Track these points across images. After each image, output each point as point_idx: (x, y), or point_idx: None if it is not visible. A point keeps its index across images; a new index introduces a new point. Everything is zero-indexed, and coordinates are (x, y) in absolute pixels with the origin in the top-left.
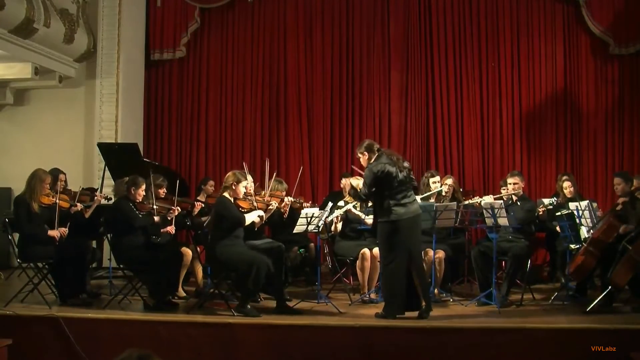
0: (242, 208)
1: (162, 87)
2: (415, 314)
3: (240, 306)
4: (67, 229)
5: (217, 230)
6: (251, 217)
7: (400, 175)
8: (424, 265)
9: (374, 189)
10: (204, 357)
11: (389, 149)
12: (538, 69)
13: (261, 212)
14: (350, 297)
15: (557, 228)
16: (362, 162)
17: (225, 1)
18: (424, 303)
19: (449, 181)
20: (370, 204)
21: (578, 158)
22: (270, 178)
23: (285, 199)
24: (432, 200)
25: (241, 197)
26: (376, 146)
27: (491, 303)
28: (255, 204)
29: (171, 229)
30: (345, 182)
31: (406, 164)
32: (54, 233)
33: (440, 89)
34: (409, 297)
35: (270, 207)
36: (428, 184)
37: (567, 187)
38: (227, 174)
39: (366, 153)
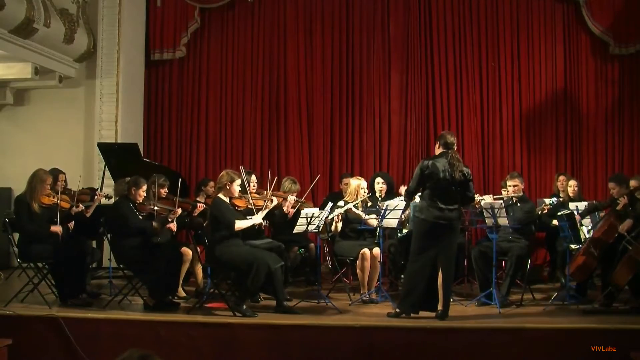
0: (239, 207)
1: (162, 87)
2: (424, 313)
3: (237, 305)
4: (72, 223)
5: (215, 230)
6: (242, 225)
7: (449, 178)
8: None
9: (420, 184)
10: (204, 357)
11: (456, 154)
12: (538, 69)
13: (258, 220)
14: (350, 297)
15: (555, 222)
16: (436, 151)
17: (225, 1)
18: (440, 307)
19: None
20: (370, 203)
21: (578, 158)
22: (271, 184)
23: (290, 198)
24: None
25: (236, 195)
26: (450, 142)
27: (491, 303)
28: (251, 201)
29: (173, 226)
30: (348, 182)
31: (466, 169)
32: (57, 228)
33: (440, 89)
34: (428, 298)
35: (269, 203)
36: None
37: (573, 185)
38: (221, 174)
39: (439, 144)
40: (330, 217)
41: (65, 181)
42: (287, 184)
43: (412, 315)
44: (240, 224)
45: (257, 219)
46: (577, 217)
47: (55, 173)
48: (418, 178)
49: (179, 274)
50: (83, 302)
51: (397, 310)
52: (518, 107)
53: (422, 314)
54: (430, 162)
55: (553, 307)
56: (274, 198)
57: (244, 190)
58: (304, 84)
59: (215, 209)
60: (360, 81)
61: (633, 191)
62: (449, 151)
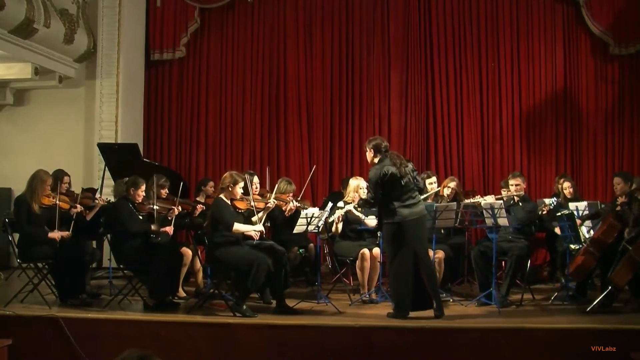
0: (240, 209)
1: (162, 87)
2: (424, 313)
3: (237, 305)
4: (70, 232)
5: (215, 231)
6: (241, 228)
7: (405, 178)
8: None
9: (381, 191)
10: (204, 357)
11: (393, 152)
12: (538, 69)
13: (259, 228)
14: (350, 297)
15: (557, 230)
16: (367, 157)
17: (225, 1)
18: (434, 302)
19: (453, 184)
20: None
21: (578, 158)
22: (272, 185)
23: (291, 203)
24: (430, 201)
25: (238, 198)
26: (384, 146)
27: (491, 303)
28: (253, 203)
29: (169, 229)
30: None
31: (410, 165)
32: (55, 235)
33: (440, 89)
34: (420, 297)
35: (269, 204)
36: (424, 185)
37: (567, 187)
38: (224, 175)
39: (372, 151)
40: (331, 219)
41: (70, 183)
42: (282, 184)
43: (407, 316)
44: (238, 227)
45: (258, 226)
46: (578, 221)
47: (60, 175)
48: (379, 187)
49: (179, 274)
50: (83, 302)
51: (393, 313)
52: (518, 107)
53: (421, 313)
54: (383, 169)
55: (553, 307)
56: (274, 201)
57: (245, 192)
58: (304, 84)
59: (215, 209)
60: (360, 81)
61: (633, 191)
62: (387, 154)
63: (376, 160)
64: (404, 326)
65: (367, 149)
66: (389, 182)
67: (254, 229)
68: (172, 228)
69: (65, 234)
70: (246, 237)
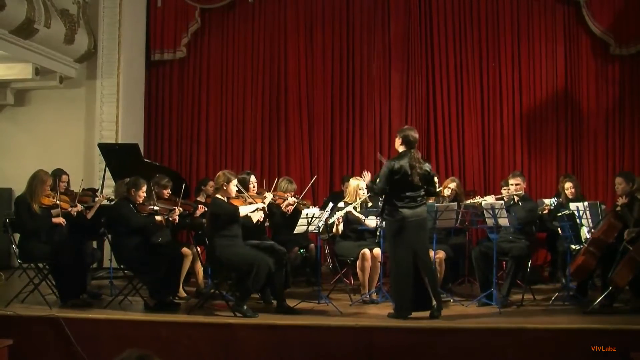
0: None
1: (162, 88)
2: (425, 313)
3: (238, 305)
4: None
5: (215, 230)
6: (246, 210)
7: (415, 180)
8: None
9: (388, 186)
10: (204, 357)
11: (417, 153)
12: (539, 70)
13: (261, 205)
14: (350, 297)
15: (559, 230)
16: (395, 144)
17: (226, 1)
18: (434, 302)
19: (453, 185)
20: (370, 204)
21: (578, 158)
22: (271, 187)
23: (290, 199)
24: (431, 201)
25: (233, 195)
26: (413, 138)
27: (492, 303)
28: (248, 200)
29: (176, 210)
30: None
31: (427, 166)
32: (59, 220)
33: (440, 90)
34: (420, 297)
35: (266, 200)
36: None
37: (569, 187)
38: (217, 175)
39: (400, 139)
40: (331, 220)
41: (68, 182)
42: (283, 183)
43: (408, 316)
44: (243, 210)
45: (259, 204)
46: (587, 228)
47: (59, 173)
48: (388, 179)
49: (180, 274)
50: (83, 302)
51: (394, 313)
52: (519, 107)
53: (422, 313)
54: (398, 164)
55: (554, 308)
56: (270, 194)
57: (240, 191)
58: (305, 84)
59: (214, 207)
60: (360, 81)
61: (634, 191)
62: (412, 151)
63: (400, 149)
64: (405, 326)
65: (397, 136)
66: (399, 179)
67: (257, 207)
68: (178, 211)
69: (61, 219)
70: (247, 237)
